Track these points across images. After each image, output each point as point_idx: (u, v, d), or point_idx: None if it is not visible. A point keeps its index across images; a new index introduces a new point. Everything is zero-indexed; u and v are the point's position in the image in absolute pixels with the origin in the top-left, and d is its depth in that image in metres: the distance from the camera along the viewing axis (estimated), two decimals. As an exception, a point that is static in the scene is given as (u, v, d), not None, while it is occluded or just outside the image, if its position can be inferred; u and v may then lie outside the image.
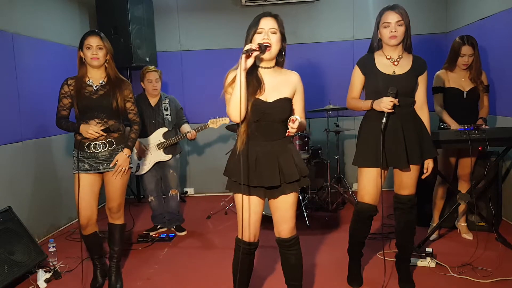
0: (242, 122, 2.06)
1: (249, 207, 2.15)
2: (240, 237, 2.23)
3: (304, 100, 2.22)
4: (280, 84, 2.12)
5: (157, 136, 3.88)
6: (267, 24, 2.05)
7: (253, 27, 2.07)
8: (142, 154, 3.87)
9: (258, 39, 2.03)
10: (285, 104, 2.11)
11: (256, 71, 2.09)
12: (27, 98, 3.84)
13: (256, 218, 2.20)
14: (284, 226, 2.21)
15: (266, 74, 2.12)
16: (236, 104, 1.98)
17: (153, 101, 3.94)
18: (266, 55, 2.05)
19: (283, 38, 2.10)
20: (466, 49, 3.30)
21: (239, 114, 1.99)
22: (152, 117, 3.90)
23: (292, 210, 2.20)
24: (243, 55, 1.96)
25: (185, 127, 3.98)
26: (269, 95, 2.09)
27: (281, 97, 2.10)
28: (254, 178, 2.09)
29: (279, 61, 2.16)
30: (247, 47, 1.96)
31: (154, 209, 4.00)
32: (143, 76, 3.90)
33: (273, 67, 2.14)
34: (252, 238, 2.21)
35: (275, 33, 2.05)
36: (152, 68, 3.90)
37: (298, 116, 2.04)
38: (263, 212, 2.27)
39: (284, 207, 2.18)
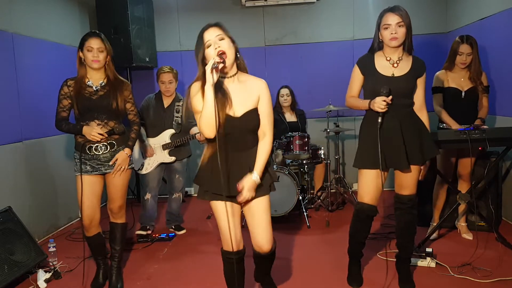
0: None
1: (221, 214, 2.16)
2: (225, 248, 2.23)
3: (271, 110, 2.17)
4: (244, 93, 2.10)
5: (163, 137, 3.89)
6: (212, 34, 2.04)
7: (200, 43, 2.06)
8: (150, 155, 3.87)
9: (211, 52, 2.02)
10: (253, 117, 2.11)
11: (221, 85, 2.07)
12: (27, 98, 3.84)
13: (235, 223, 2.19)
14: (263, 234, 2.18)
15: (231, 83, 2.11)
16: (208, 122, 1.98)
17: (166, 102, 3.94)
18: (227, 63, 2.02)
19: (233, 41, 2.08)
20: (464, 48, 3.31)
21: (212, 131, 2.00)
22: (162, 118, 3.91)
23: (267, 214, 2.19)
24: (212, 70, 1.94)
25: (195, 129, 3.93)
26: (236, 107, 2.07)
27: (247, 110, 2.09)
28: (224, 187, 2.07)
29: (240, 66, 2.13)
30: (211, 61, 1.95)
31: (147, 209, 3.94)
32: (157, 76, 3.92)
33: (235, 74, 2.12)
34: (236, 247, 2.19)
35: (223, 39, 2.03)
36: (166, 69, 3.88)
37: (258, 161, 2.10)
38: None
39: (257, 211, 2.17)
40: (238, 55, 2.11)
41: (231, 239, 2.16)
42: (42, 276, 3.02)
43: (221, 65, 1.98)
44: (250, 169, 2.11)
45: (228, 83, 2.11)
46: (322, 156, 4.57)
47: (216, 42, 2.03)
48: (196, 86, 2.08)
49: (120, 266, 2.96)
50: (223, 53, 2.01)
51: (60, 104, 2.77)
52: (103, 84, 2.76)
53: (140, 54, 4.81)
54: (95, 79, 2.76)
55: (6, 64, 3.62)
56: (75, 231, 4.16)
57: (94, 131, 2.66)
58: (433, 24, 5.10)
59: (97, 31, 2.79)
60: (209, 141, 2.13)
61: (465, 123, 3.25)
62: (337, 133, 4.63)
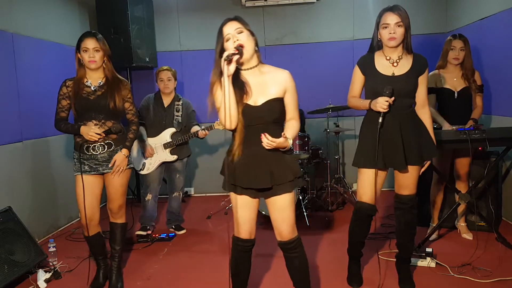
0: (236, 127, 2.09)
1: (236, 205, 2.19)
2: (236, 235, 2.26)
3: (297, 99, 2.19)
4: (267, 84, 2.11)
5: (165, 136, 3.89)
6: (230, 28, 2.06)
7: (219, 38, 2.08)
8: (149, 155, 3.86)
9: (230, 45, 2.04)
10: (274, 106, 2.10)
11: (239, 76, 2.09)
12: (27, 98, 3.84)
13: (250, 216, 2.22)
14: (283, 226, 2.18)
15: (250, 75, 2.12)
16: (225, 113, 2.01)
17: (166, 101, 3.96)
18: (244, 55, 2.04)
19: (252, 34, 2.10)
20: (456, 42, 3.33)
21: (229, 122, 2.04)
22: (162, 117, 3.92)
23: (288, 210, 2.17)
24: (225, 62, 1.96)
25: (195, 128, 3.95)
26: (257, 97, 2.09)
27: (268, 98, 2.09)
28: (244, 180, 2.12)
29: (260, 57, 2.15)
30: (226, 53, 1.97)
31: (148, 209, 3.95)
32: (156, 75, 3.96)
33: (257, 65, 2.13)
34: (247, 236, 2.23)
35: (241, 32, 2.06)
36: (164, 67, 3.95)
37: (289, 129, 2.12)
38: (263, 212, 2.28)
39: (279, 207, 2.16)
40: (257, 48, 2.12)
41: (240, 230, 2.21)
42: (42, 276, 3.02)
43: (236, 57, 1.99)
44: (269, 162, 2.09)
45: (248, 75, 2.11)
46: (322, 156, 4.57)
47: (235, 36, 2.05)
48: (216, 83, 2.09)
49: (120, 266, 2.96)
50: (241, 46, 2.03)
51: (59, 104, 2.78)
52: (101, 83, 2.76)
53: (140, 54, 4.81)
54: (94, 79, 2.77)
55: (6, 64, 3.62)
56: (75, 231, 4.16)
57: (91, 131, 2.67)
58: (433, 24, 5.10)
59: (92, 31, 2.79)
60: (232, 134, 2.15)
61: (459, 123, 3.25)
62: (337, 133, 4.63)
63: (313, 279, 2.93)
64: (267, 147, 2.01)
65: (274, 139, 1.99)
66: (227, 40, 2.06)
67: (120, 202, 2.86)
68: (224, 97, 2.00)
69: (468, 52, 3.35)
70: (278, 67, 2.18)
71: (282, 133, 2.05)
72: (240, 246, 2.25)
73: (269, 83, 2.11)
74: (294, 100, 2.17)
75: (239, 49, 2.01)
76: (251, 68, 2.12)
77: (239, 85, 2.07)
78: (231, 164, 2.13)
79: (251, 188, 2.14)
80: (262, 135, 2.00)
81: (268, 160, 2.09)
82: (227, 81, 1.98)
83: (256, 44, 2.11)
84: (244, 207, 2.19)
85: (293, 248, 2.21)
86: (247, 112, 2.07)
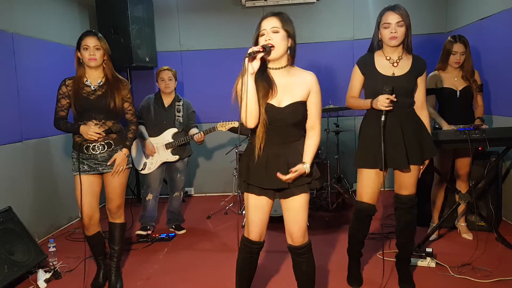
0: (257, 126, 2.06)
1: (252, 206, 2.16)
2: (246, 235, 2.24)
3: (321, 105, 2.15)
4: (293, 86, 2.08)
5: (166, 136, 3.90)
6: (268, 24, 2.02)
7: (256, 30, 2.06)
8: (150, 153, 3.86)
9: (262, 41, 2.01)
10: (297, 109, 2.08)
11: (266, 73, 2.07)
12: (27, 98, 3.84)
13: (262, 218, 2.19)
14: (294, 228, 2.16)
15: (277, 75, 2.08)
16: (247, 110, 1.98)
17: (166, 101, 3.96)
18: (272, 55, 2.00)
19: (289, 35, 2.04)
20: (457, 47, 3.32)
21: (250, 120, 2.02)
22: (163, 117, 3.92)
23: (302, 212, 2.15)
24: (247, 58, 1.92)
25: (193, 130, 3.97)
26: (281, 98, 2.06)
27: (293, 101, 2.07)
28: (264, 180, 2.10)
29: (291, 60, 2.11)
30: (250, 50, 1.93)
31: (148, 209, 3.95)
32: (157, 75, 3.97)
33: (285, 67, 2.09)
34: (257, 238, 2.21)
35: (277, 32, 2.00)
36: (165, 67, 3.96)
37: (308, 154, 2.12)
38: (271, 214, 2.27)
39: (295, 208, 2.15)
40: (289, 51, 2.07)
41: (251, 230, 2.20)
42: (42, 276, 3.02)
43: (260, 54, 1.94)
44: (288, 163, 2.06)
45: (276, 74, 2.08)
46: (322, 156, 4.57)
47: (269, 34, 2.00)
48: (241, 74, 2.04)
49: (119, 266, 2.96)
50: (272, 46, 1.99)
51: (58, 103, 2.77)
52: (101, 83, 2.76)
53: (140, 54, 4.81)
54: (94, 78, 2.76)
55: (6, 64, 3.62)
56: (75, 231, 4.16)
57: (91, 130, 2.66)
58: (433, 24, 5.10)
59: (93, 30, 2.80)
60: (251, 133, 2.13)
61: (462, 123, 3.24)
62: (337, 133, 4.63)
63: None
64: (287, 181, 2.04)
65: (292, 175, 2.02)
66: (262, 36, 2.02)
67: (118, 202, 2.85)
68: (246, 94, 1.95)
69: (468, 54, 3.35)
70: (304, 70, 2.14)
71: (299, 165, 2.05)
72: (249, 247, 2.23)
73: (295, 85, 2.08)
74: (317, 104, 2.12)
75: (266, 47, 1.96)
76: (279, 68, 2.08)
77: (266, 81, 2.04)
78: (250, 164, 2.11)
79: (270, 189, 2.12)
80: (278, 174, 2.01)
81: (287, 160, 2.09)
82: (248, 78, 1.94)
83: (291, 46, 2.06)
84: (258, 209, 2.16)
85: (303, 253, 2.21)
86: (269, 113, 2.04)
